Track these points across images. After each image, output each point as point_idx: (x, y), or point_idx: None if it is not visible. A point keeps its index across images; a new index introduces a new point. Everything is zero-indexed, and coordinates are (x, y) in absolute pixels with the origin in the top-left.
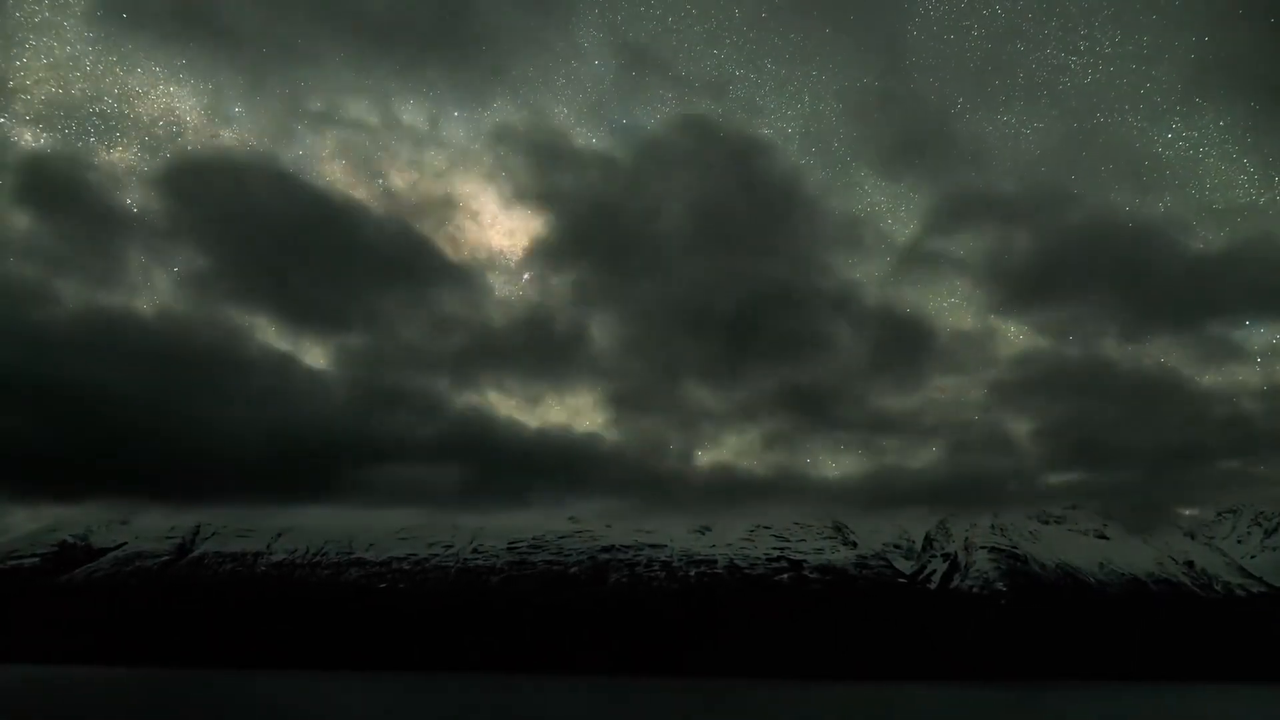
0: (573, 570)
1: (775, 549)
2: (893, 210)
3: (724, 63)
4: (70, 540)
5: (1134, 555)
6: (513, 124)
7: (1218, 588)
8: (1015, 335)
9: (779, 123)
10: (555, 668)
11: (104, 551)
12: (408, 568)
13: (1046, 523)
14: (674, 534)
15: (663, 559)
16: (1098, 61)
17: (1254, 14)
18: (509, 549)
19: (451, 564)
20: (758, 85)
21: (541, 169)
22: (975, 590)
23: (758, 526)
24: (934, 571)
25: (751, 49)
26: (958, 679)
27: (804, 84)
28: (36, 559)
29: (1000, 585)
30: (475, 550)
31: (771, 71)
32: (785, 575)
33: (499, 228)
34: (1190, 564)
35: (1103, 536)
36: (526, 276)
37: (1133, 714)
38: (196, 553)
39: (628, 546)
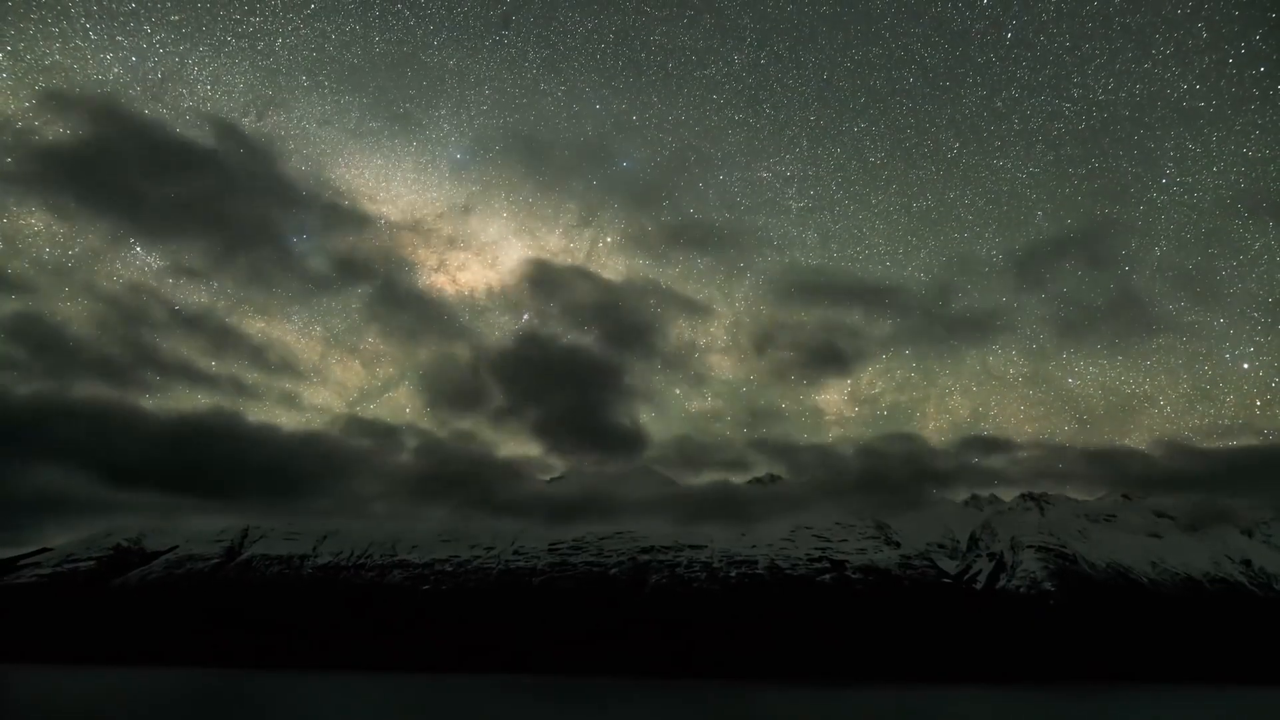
0: (613, 572)
1: (817, 549)
2: (892, 253)
3: (723, 107)
4: (124, 544)
5: (1189, 554)
6: None
7: (1277, 587)
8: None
9: (778, 166)
10: (596, 669)
11: (156, 555)
12: (450, 569)
13: (1096, 521)
14: (714, 535)
15: (703, 560)
16: (1090, 109)
17: (1244, 64)
18: (549, 550)
19: (493, 566)
20: (756, 130)
21: None
22: (1022, 591)
23: (799, 526)
24: (979, 571)
25: (750, 94)
26: (1005, 682)
27: (801, 129)
28: (92, 562)
29: (1048, 585)
30: (516, 552)
31: (770, 116)
32: (827, 576)
33: None
34: (1248, 563)
35: (1155, 535)
36: None
37: (1188, 719)
38: (245, 555)
39: (668, 548)
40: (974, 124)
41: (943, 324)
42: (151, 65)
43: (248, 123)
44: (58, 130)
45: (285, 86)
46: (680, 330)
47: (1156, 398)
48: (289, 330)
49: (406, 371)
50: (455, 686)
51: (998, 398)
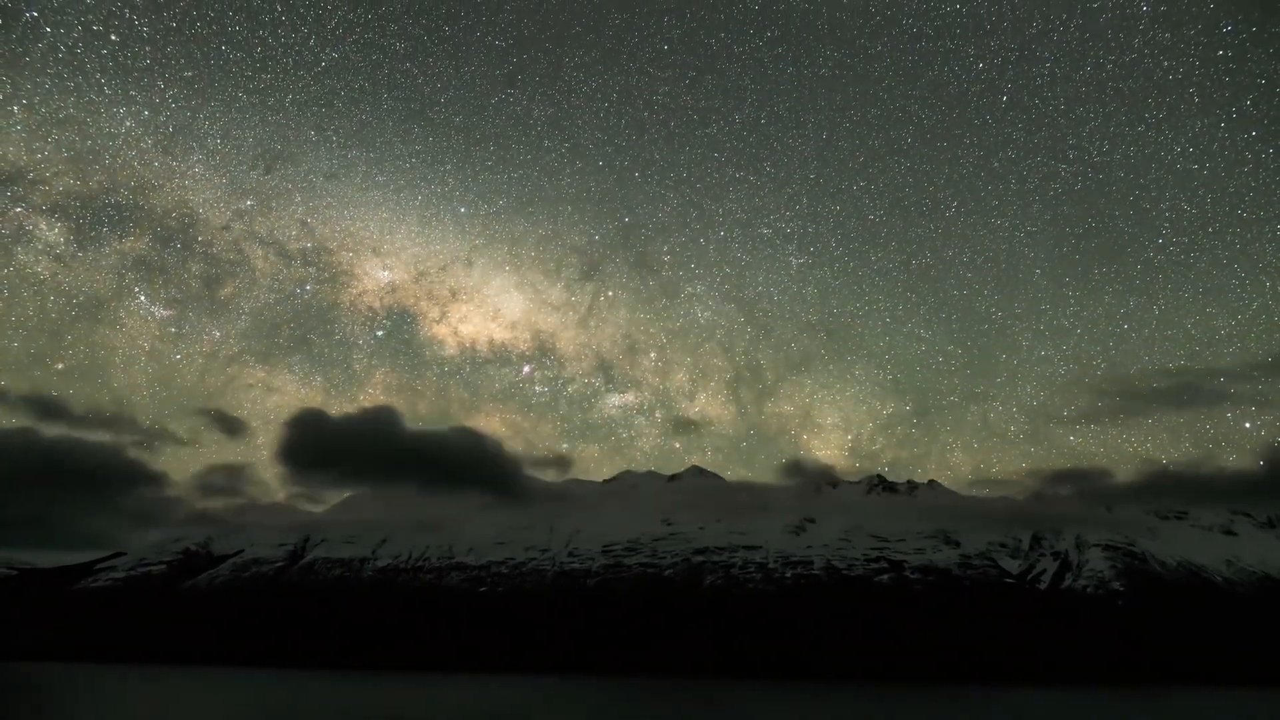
0: (667, 573)
1: (874, 549)
2: (891, 309)
3: (724, 165)
4: (193, 548)
5: (1266, 551)
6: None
7: None
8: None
9: (779, 223)
10: (651, 670)
11: (224, 558)
12: (506, 571)
13: (1166, 518)
14: (769, 535)
15: (758, 560)
16: (1086, 170)
17: (1236, 129)
18: (604, 552)
19: (548, 567)
20: (757, 187)
21: None
22: (1089, 590)
23: (855, 526)
24: (1043, 571)
25: (751, 153)
26: (1070, 683)
27: (801, 187)
28: (164, 566)
29: (1117, 585)
30: (571, 553)
31: (770, 174)
32: (885, 576)
33: None
34: None
35: (1230, 532)
36: None
37: None
38: (307, 559)
39: (722, 548)
40: (971, 184)
41: (944, 380)
42: (164, 119)
43: (255, 175)
44: (69, 182)
45: (294, 141)
46: (680, 384)
47: (1159, 456)
48: (290, 380)
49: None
50: (512, 687)
51: (999, 455)
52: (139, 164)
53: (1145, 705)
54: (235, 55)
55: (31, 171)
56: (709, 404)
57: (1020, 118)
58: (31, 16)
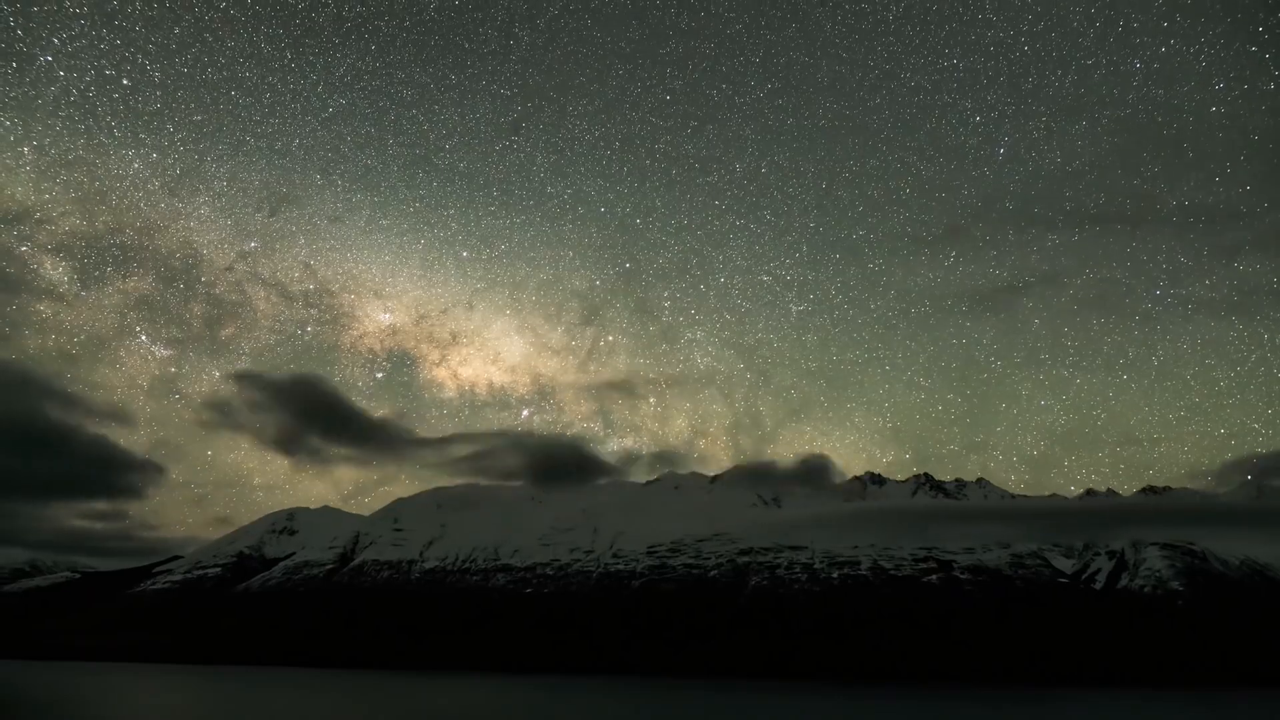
0: (712, 574)
1: (922, 548)
2: (890, 357)
3: (724, 213)
4: (247, 552)
5: None
6: None
7: None
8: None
9: (779, 270)
10: (696, 671)
11: (275, 561)
12: (551, 573)
13: (1227, 516)
14: (814, 535)
15: (803, 561)
16: (1084, 221)
17: (1230, 183)
18: (648, 553)
19: (593, 569)
20: (757, 235)
21: None
22: (1147, 590)
23: (902, 526)
24: (1098, 570)
25: (751, 201)
26: (1128, 686)
27: (801, 235)
28: (219, 569)
29: (1176, 585)
30: (615, 555)
31: (770, 222)
32: (934, 576)
33: None
34: None
35: None
36: None
37: None
38: (356, 561)
39: (767, 549)
40: (969, 233)
41: (944, 429)
42: (172, 161)
43: (260, 218)
44: (75, 222)
45: (299, 184)
46: (679, 429)
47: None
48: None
49: (404, 463)
50: (557, 688)
51: None
52: (145, 205)
53: (1206, 708)
54: (244, 100)
55: (38, 211)
56: (708, 449)
57: (1017, 169)
58: (45, 61)
